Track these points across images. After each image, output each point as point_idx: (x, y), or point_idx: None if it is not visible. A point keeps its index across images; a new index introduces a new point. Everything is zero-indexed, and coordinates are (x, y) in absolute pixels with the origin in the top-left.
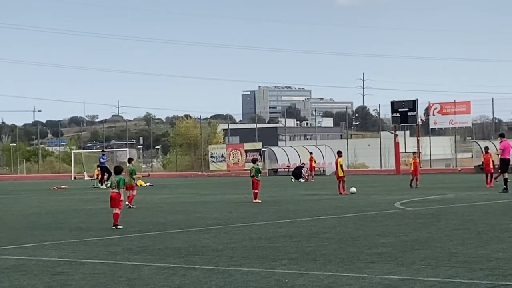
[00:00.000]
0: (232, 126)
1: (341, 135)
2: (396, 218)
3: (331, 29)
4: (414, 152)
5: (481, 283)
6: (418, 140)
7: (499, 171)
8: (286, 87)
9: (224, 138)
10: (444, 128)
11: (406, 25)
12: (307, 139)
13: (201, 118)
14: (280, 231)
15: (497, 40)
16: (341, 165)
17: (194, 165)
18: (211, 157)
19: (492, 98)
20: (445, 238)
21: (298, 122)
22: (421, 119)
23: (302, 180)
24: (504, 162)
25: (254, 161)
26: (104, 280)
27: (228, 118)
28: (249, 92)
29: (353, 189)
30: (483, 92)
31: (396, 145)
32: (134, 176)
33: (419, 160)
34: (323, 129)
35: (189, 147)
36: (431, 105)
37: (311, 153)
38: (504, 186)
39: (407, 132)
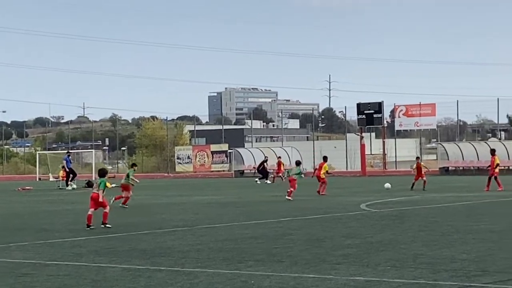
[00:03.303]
0: (198, 127)
1: (307, 136)
2: (362, 220)
3: (298, 30)
4: (418, 157)
5: (445, 284)
6: (383, 142)
7: None
8: (252, 88)
9: (190, 139)
10: (410, 130)
11: (373, 27)
12: (274, 141)
13: (167, 119)
14: (246, 232)
15: (463, 43)
16: (326, 170)
17: (160, 166)
18: (177, 158)
19: (457, 101)
20: (409, 240)
21: (265, 123)
22: (387, 121)
23: (268, 181)
24: None
25: (298, 163)
26: (69, 282)
27: (195, 120)
28: (215, 94)
29: (388, 185)
30: (448, 95)
31: (362, 147)
32: (130, 178)
33: (385, 161)
34: (290, 130)
35: (155, 148)
36: (397, 107)
37: (279, 157)
38: None
39: (373, 134)
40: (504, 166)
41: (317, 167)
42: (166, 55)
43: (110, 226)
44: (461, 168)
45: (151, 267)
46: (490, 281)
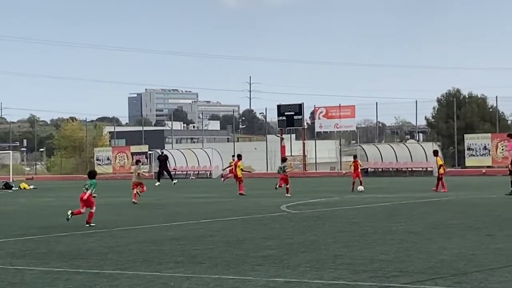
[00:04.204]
0: (118, 128)
1: (228, 138)
2: (282, 221)
3: (219, 31)
4: (355, 156)
5: (364, 285)
6: (304, 144)
7: (509, 173)
8: (173, 90)
9: (110, 140)
10: (330, 131)
11: (293, 28)
12: (194, 142)
13: (87, 120)
14: (166, 234)
15: (383, 46)
16: (241, 168)
17: (79, 168)
18: (97, 159)
19: (376, 103)
20: (330, 241)
21: (185, 125)
22: (307, 123)
23: (175, 181)
24: None
25: (284, 159)
26: None
27: (114, 121)
28: (135, 95)
29: (361, 188)
30: (367, 97)
31: (282, 148)
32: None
33: (306, 163)
34: (210, 132)
35: (74, 150)
36: (317, 109)
37: (233, 156)
38: None
39: (293, 136)
40: (422, 168)
41: (232, 166)
42: (85, 55)
43: (94, 225)
44: (380, 169)
45: (69, 269)
46: (408, 281)
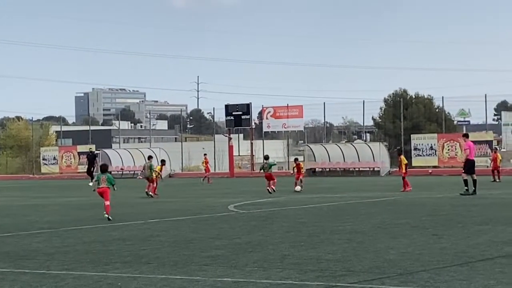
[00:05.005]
0: (65, 128)
1: (175, 137)
2: (230, 221)
3: (166, 31)
4: (296, 158)
5: (312, 284)
6: (251, 143)
7: (463, 171)
8: (120, 89)
9: (56, 140)
10: (277, 131)
11: (241, 28)
12: (142, 142)
13: (33, 119)
14: (113, 234)
15: (331, 46)
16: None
17: (25, 167)
18: (43, 159)
19: (324, 103)
20: (277, 241)
21: (133, 124)
22: (255, 123)
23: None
24: (471, 163)
25: (266, 157)
26: None
27: (61, 120)
28: (82, 94)
29: (298, 188)
30: (315, 97)
31: (230, 148)
32: (153, 170)
33: (253, 163)
34: (158, 131)
35: (20, 149)
36: (265, 109)
37: (205, 154)
38: (466, 188)
39: (241, 135)
40: (370, 168)
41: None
42: (32, 54)
43: (111, 218)
44: (327, 169)
45: (15, 269)
46: (355, 280)
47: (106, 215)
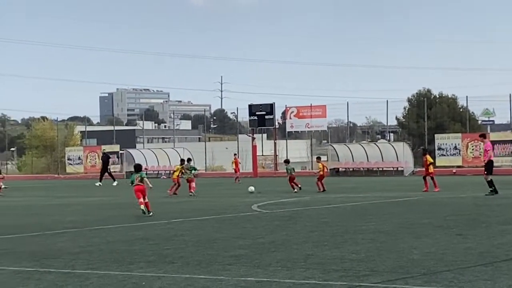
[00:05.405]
0: (89, 128)
1: (199, 137)
2: (253, 221)
3: (188, 31)
4: (318, 157)
5: (335, 284)
6: (275, 143)
7: (485, 173)
8: (144, 89)
9: (81, 140)
10: (301, 131)
11: (264, 28)
12: (165, 142)
13: (58, 120)
14: (137, 233)
15: (354, 46)
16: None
17: (50, 167)
18: (68, 159)
19: (347, 102)
20: (301, 240)
21: (156, 124)
22: (278, 123)
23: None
24: (492, 164)
25: (287, 161)
26: None
27: (86, 120)
28: (107, 94)
29: (251, 188)
30: (338, 96)
31: (254, 148)
32: (194, 172)
33: (277, 162)
34: (181, 131)
35: (46, 149)
36: (288, 108)
37: (235, 154)
38: (491, 189)
39: (265, 135)
40: (393, 168)
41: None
42: (57, 55)
43: (152, 214)
44: (351, 169)
45: (40, 269)
46: (379, 280)
47: (144, 208)
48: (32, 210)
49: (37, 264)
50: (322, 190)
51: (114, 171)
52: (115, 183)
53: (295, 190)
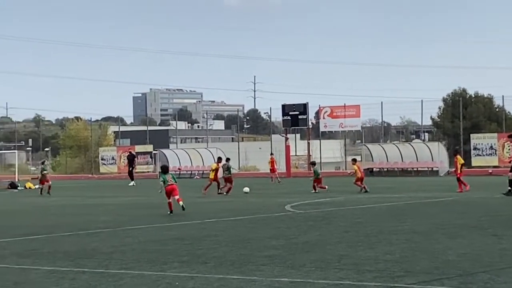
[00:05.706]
0: (123, 128)
1: (232, 137)
2: (287, 221)
3: (220, 30)
4: (354, 159)
5: (369, 285)
6: (308, 143)
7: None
8: (177, 89)
9: (114, 140)
10: (334, 131)
11: (297, 28)
12: (199, 142)
13: (92, 120)
14: (170, 233)
15: (387, 45)
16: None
17: (84, 167)
18: (102, 159)
19: (381, 102)
20: (334, 241)
21: (190, 124)
22: (312, 122)
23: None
24: None
25: (313, 164)
26: None
27: (119, 120)
28: (140, 94)
29: (246, 189)
30: (372, 96)
31: (287, 148)
32: (231, 171)
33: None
34: (215, 132)
35: (79, 149)
36: (322, 108)
37: (271, 154)
38: (510, 188)
39: (298, 135)
40: (428, 168)
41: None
42: (91, 55)
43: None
44: (385, 169)
45: (74, 268)
46: (414, 281)
47: (181, 203)
48: (66, 210)
49: (72, 264)
50: (364, 191)
51: (148, 171)
52: (131, 184)
53: (316, 190)
